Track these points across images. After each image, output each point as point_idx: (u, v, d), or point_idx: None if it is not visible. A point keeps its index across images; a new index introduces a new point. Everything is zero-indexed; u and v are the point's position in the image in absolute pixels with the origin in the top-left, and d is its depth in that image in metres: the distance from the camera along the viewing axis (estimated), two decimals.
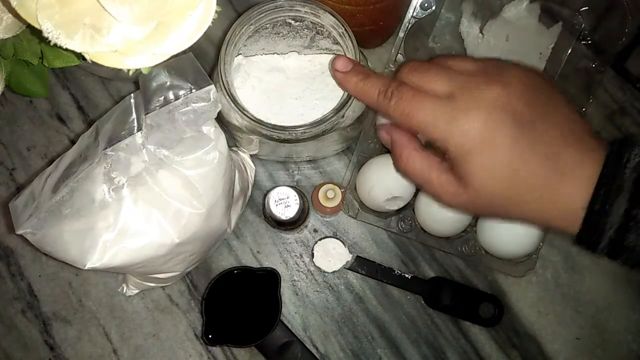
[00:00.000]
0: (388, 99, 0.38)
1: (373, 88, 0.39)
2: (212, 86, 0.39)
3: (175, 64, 0.38)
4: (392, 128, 0.40)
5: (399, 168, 0.39)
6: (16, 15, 0.30)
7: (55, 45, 0.28)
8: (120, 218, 0.40)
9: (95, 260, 0.39)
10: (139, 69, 0.31)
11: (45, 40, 0.28)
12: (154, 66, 0.34)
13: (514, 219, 0.37)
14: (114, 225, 0.40)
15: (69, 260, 0.40)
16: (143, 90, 0.39)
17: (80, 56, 0.39)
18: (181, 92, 0.38)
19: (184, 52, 0.31)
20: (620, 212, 0.32)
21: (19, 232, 0.38)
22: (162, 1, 0.29)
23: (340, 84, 0.42)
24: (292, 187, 0.48)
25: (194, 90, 0.39)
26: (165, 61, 0.32)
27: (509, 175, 0.34)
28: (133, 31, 0.29)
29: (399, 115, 0.37)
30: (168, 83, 0.38)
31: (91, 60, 0.29)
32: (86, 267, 0.39)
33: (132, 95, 0.40)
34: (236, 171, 0.47)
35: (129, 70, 0.30)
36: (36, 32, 0.36)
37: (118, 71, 0.30)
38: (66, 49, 0.28)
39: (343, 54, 0.47)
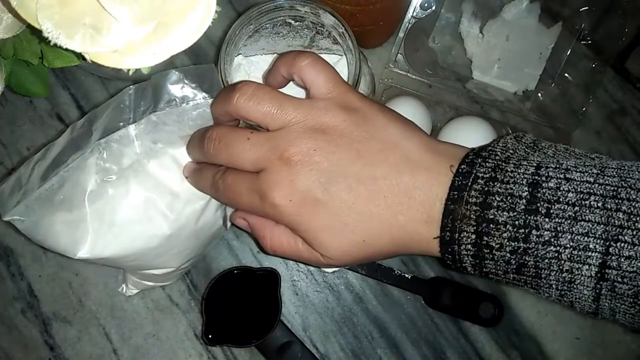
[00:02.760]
0: (216, 190, 0.37)
1: (206, 182, 0.38)
2: None
3: (194, 71, 0.39)
4: (249, 215, 0.38)
5: (268, 251, 0.37)
6: (16, 15, 0.30)
7: (55, 45, 0.28)
8: (111, 209, 0.40)
9: (86, 250, 0.39)
10: (139, 69, 0.31)
11: (45, 40, 0.28)
12: (161, 69, 0.34)
13: (388, 256, 0.35)
14: (105, 216, 0.40)
15: (59, 250, 0.40)
16: (155, 88, 0.39)
17: (80, 56, 0.39)
18: (194, 98, 0.39)
19: (196, 55, 0.31)
20: (470, 241, 0.30)
21: (6, 218, 0.38)
22: (162, 1, 0.29)
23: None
24: None
25: (206, 99, 0.39)
26: (171, 64, 0.33)
27: (340, 229, 0.33)
28: (133, 31, 0.29)
29: (231, 204, 0.38)
30: (183, 87, 0.39)
31: (91, 60, 0.29)
32: (77, 257, 0.39)
33: (131, 87, 0.40)
34: None
35: (129, 70, 0.30)
36: (36, 32, 0.36)
37: (118, 71, 0.30)
38: (66, 49, 0.28)
39: (343, 54, 0.47)
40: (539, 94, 0.56)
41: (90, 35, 0.28)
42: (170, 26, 0.29)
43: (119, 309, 0.55)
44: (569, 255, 0.28)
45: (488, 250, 0.30)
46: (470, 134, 0.53)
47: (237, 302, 0.53)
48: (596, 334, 0.54)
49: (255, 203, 0.34)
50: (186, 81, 0.39)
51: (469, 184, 0.30)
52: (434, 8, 0.54)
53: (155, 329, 0.54)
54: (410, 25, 0.55)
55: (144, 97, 0.40)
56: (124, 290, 0.53)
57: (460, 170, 0.31)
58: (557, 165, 0.30)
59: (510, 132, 0.55)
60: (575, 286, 0.28)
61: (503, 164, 0.30)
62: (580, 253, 0.28)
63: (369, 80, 0.48)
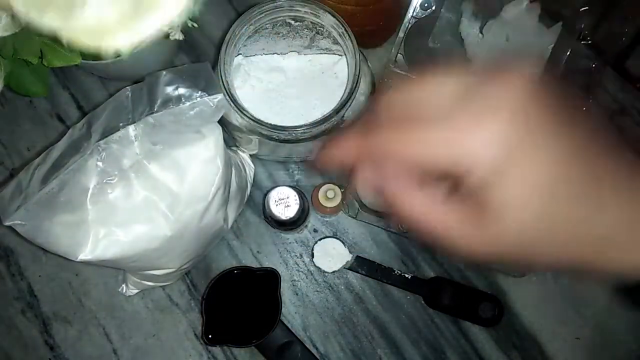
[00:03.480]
0: (369, 133, 0.28)
1: (349, 136, 0.29)
2: (221, 95, 0.39)
3: (189, 70, 0.39)
4: (378, 177, 0.28)
5: (407, 222, 0.28)
6: None
7: (27, 23, 0.27)
8: (112, 210, 0.40)
9: (87, 252, 0.39)
10: (119, 52, 0.31)
11: (14, 18, 0.27)
12: (163, 69, 0.34)
13: (550, 264, 0.29)
14: (106, 218, 0.40)
15: (60, 252, 0.40)
16: (150, 89, 0.39)
17: (82, 57, 0.39)
18: (190, 97, 0.39)
19: (196, 55, 0.31)
20: None
21: (7, 223, 0.38)
22: None
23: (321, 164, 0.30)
24: (292, 187, 0.48)
25: (203, 97, 0.39)
26: (170, 63, 0.32)
27: (536, 207, 0.25)
28: (107, 9, 0.28)
29: (390, 143, 0.27)
30: (179, 87, 0.39)
31: (69, 40, 0.29)
32: (78, 259, 0.39)
33: (128, 88, 0.40)
34: (233, 169, 0.48)
35: (108, 50, 0.30)
36: (43, 35, 0.36)
37: (121, 71, 0.30)
38: (86, 57, 0.28)
39: (343, 54, 0.47)
40: None
41: (63, 12, 0.27)
42: (149, 5, 0.29)
43: (119, 309, 0.55)
44: None
45: None
46: None
47: (237, 302, 0.53)
48: (596, 334, 0.54)
49: (450, 141, 0.24)
50: (180, 81, 0.39)
51: None
52: (434, 8, 0.54)
53: (155, 329, 0.54)
54: (410, 25, 0.54)
55: (141, 98, 0.40)
56: (124, 290, 0.53)
57: None
58: None
59: None
60: None
61: None
62: None
63: (369, 81, 0.48)
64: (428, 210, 0.27)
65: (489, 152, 0.24)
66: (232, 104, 0.42)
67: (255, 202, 0.56)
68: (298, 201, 0.47)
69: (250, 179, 0.54)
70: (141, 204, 0.40)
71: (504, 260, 0.27)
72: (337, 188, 0.53)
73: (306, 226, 0.56)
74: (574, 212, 0.26)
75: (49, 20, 0.27)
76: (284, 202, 0.47)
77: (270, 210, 0.47)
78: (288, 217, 0.47)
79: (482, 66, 0.28)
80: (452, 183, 0.26)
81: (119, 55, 0.31)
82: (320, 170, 0.33)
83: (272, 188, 0.48)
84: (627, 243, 0.26)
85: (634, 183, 0.26)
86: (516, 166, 0.25)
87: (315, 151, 0.34)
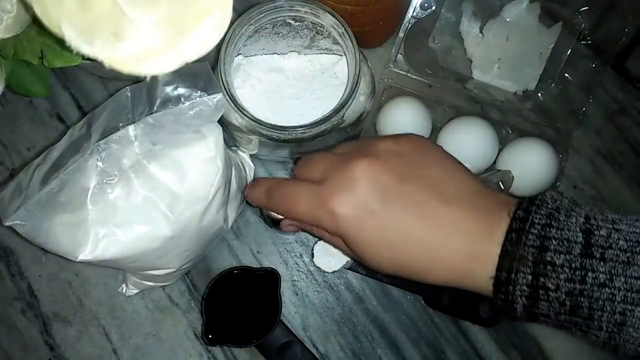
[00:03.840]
0: (270, 197, 0.41)
1: (260, 189, 0.42)
2: (220, 95, 0.39)
3: (188, 70, 0.39)
4: (291, 223, 0.42)
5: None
6: (25, 20, 0.30)
7: (76, 52, 0.28)
8: (112, 210, 0.40)
9: (87, 252, 0.39)
10: (156, 75, 0.31)
11: (67, 48, 0.28)
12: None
13: (427, 281, 0.37)
14: (106, 218, 0.40)
15: (60, 252, 0.40)
16: (149, 89, 0.39)
17: (84, 57, 0.39)
18: (189, 97, 0.39)
19: (202, 58, 0.31)
20: (526, 282, 0.31)
21: (7, 223, 0.38)
22: (181, 7, 0.29)
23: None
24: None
25: (202, 97, 0.39)
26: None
27: (385, 246, 0.35)
28: (152, 37, 0.29)
29: (282, 210, 0.40)
30: (178, 87, 0.39)
31: (110, 67, 0.29)
32: (78, 259, 0.39)
33: (128, 88, 0.40)
34: (233, 169, 0.48)
35: (146, 76, 0.30)
36: (44, 34, 0.37)
37: (123, 73, 0.30)
38: (87, 58, 0.28)
39: (343, 54, 0.47)
40: (539, 94, 0.56)
41: (111, 41, 0.28)
42: (188, 32, 0.29)
43: (119, 309, 0.55)
44: (622, 297, 0.30)
45: (543, 292, 0.31)
46: (471, 134, 0.53)
47: (237, 302, 0.53)
48: None
49: (313, 210, 0.37)
50: (179, 81, 0.39)
51: (527, 228, 0.32)
52: (434, 8, 0.54)
53: (155, 329, 0.54)
54: (410, 25, 0.55)
55: (141, 98, 0.40)
56: (124, 290, 0.53)
57: (517, 215, 0.33)
58: (604, 217, 0.32)
59: (511, 132, 0.55)
60: (625, 328, 0.30)
61: (555, 212, 0.32)
62: (633, 295, 0.29)
63: (369, 80, 0.48)
64: (333, 243, 0.40)
65: (331, 223, 0.36)
66: (232, 104, 0.42)
67: None
68: None
69: (250, 179, 0.54)
70: (141, 204, 0.40)
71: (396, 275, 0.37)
72: None
73: None
74: (414, 257, 0.35)
75: (96, 50, 0.28)
76: None
77: (267, 210, 0.47)
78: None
79: (361, 145, 0.39)
80: None
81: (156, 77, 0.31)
82: (251, 201, 0.45)
83: None
84: (469, 267, 0.34)
85: (476, 226, 0.34)
86: (356, 229, 0.35)
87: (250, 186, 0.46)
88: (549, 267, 0.31)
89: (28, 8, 0.33)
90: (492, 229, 0.33)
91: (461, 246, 0.34)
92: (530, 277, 0.31)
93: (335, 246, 0.40)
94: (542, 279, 0.31)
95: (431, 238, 0.34)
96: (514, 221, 0.33)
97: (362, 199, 0.35)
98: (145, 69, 0.29)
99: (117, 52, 0.28)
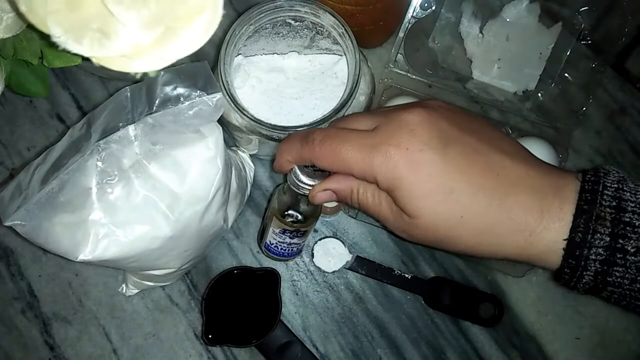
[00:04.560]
0: (311, 142, 0.35)
1: (294, 139, 0.37)
2: (220, 94, 0.39)
3: (187, 70, 0.39)
4: (328, 181, 0.36)
5: (355, 205, 0.36)
6: (24, 19, 0.30)
7: (64, 49, 0.28)
8: (112, 210, 0.40)
9: (87, 252, 0.39)
10: (146, 72, 0.31)
11: (53, 45, 0.28)
12: (164, 69, 0.34)
13: (468, 250, 0.33)
14: (106, 218, 0.40)
15: (60, 253, 0.40)
16: (148, 89, 0.39)
17: (83, 57, 0.39)
18: (189, 97, 0.39)
19: (196, 56, 0.31)
20: (603, 243, 0.29)
21: (7, 223, 0.38)
22: (170, 6, 0.29)
23: (277, 165, 0.39)
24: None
25: (201, 96, 0.39)
26: (172, 65, 0.33)
27: (443, 197, 0.31)
28: (140, 36, 0.29)
29: (326, 154, 0.34)
30: (177, 87, 0.39)
31: (99, 64, 0.30)
32: (78, 259, 0.39)
33: (127, 88, 0.40)
34: (232, 169, 0.48)
35: (136, 73, 0.31)
36: (45, 36, 0.36)
37: (124, 73, 0.30)
38: (74, 54, 0.28)
39: (343, 54, 0.47)
40: (539, 94, 0.56)
41: (98, 39, 0.28)
42: (178, 30, 0.29)
43: (119, 309, 0.55)
44: None
45: (621, 255, 0.29)
46: None
47: (237, 302, 0.53)
48: (596, 334, 0.54)
49: (365, 154, 0.32)
50: (179, 80, 0.39)
51: (600, 189, 0.30)
52: (434, 8, 0.54)
53: (155, 329, 0.54)
54: (410, 25, 0.55)
55: (140, 98, 0.40)
56: (124, 290, 0.53)
57: (587, 178, 0.31)
58: None
59: (510, 132, 0.55)
60: None
61: (623, 179, 0.31)
62: None
63: (369, 80, 0.48)
64: (378, 199, 0.34)
65: (384, 167, 0.31)
66: (232, 104, 0.42)
67: (255, 202, 0.56)
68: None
69: (250, 179, 0.54)
70: (141, 204, 0.40)
71: (431, 244, 0.33)
72: None
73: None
74: (472, 202, 0.31)
75: (84, 48, 0.28)
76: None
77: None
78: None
79: (407, 104, 0.35)
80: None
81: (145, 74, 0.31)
82: (278, 171, 0.39)
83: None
84: (528, 233, 0.31)
85: (544, 184, 0.31)
86: (410, 174, 0.31)
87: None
88: (628, 228, 0.28)
89: (12, 4, 0.32)
90: (560, 186, 0.31)
91: (530, 201, 0.30)
92: (608, 239, 0.29)
93: (372, 212, 0.35)
94: (620, 241, 0.29)
95: (495, 187, 0.31)
96: (585, 183, 0.30)
97: (422, 141, 0.31)
98: (134, 67, 0.30)
99: (105, 51, 0.28)
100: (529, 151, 0.34)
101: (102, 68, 0.29)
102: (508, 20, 0.56)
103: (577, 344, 0.54)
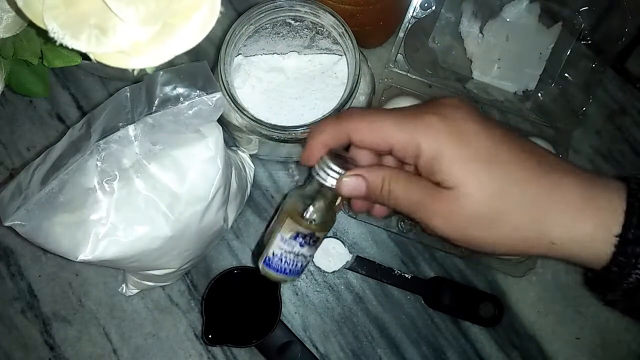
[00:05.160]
0: (350, 115, 0.33)
1: (329, 119, 0.35)
2: (219, 94, 0.39)
3: (187, 69, 0.39)
4: (359, 168, 0.34)
5: (387, 201, 0.33)
6: (22, 15, 0.30)
7: (60, 45, 0.28)
8: (112, 210, 0.40)
9: (87, 252, 0.39)
10: (144, 69, 0.31)
11: (50, 41, 0.28)
12: (164, 69, 0.34)
13: (504, 245, 0.31)
14: (106, 218, 0.40)
15: (61, 253, 0.40)
16: (148, 89, 0.39)
17: (82, 56, 0.39)
18: (188, 96, 0.39)
19: (196, 55, 0.31)
20: None
21: (7, 223, 0.38)
22: (168, 2, 0.29)
23: (307, 151, 0.36)
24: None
25: (201, 96, 0.39)
26: (171, 65, 0.33)
27: (487, 165, 0.30)
28: (138, 32, 0.29)
29: (366, 126, 0.32)
30: (177, 87, 0.39)
31: (96, 61, 0.30)
32: (78, 259, 0.39)
33: (127, 88, 0.40)
34: (233, 169, 0.48)
35: (133, 70, 0.31)
36: (42, 33, 0.36)
37: (123, 71, 0.30)
38: (71, 49, 0.28)
39: (343, 54, 0.47)
40: (539, 94, 0.56)
41: (96, 35, 0.28)
42: (175, 27, 0.29)
43: (119, 309, 0.55)
44: None
45: None
46: None
47: (237, 302, 0.53)
48: (596, 334, 0.54)
49: (403, 128, 0.31)
50: (178, 80, 0.39)
51: None
52: (434, 8, 0.54)
53: (155, 329, 0.54)
54: (410, 25, 0.55)
55: (140, 98, 0.40)
56: (124, 290, 0.53)
57: (634, 185, 0.30)
58: None
59: None
60: None
61: None
62: None
63: (369, 80, 0.48)
64: (406, 187, 0.32)
65: (428, 136, 0.30)
66: (232, 104, 0.42)
67: (255, 202, 0.56)
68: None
69: (250, 179, 0.54)
70: (141, 204, 0.40)
71: (465, 238, 0.31)
72: None
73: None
74: (522, 194, 0.29)
75: (82, 44, 0.28)
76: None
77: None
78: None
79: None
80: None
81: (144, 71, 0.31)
82: (306, 161, 0.36)
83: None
84: (571, 228, 0.29)
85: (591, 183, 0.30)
86: (454, 142, 0.30)
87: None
88: None
89: (12, 3, 0.32)
90: (606, 183, 0.30)
91: (577, 193, 0.29)
92: None
93: (403, 202, 0.32)
94: None
95: (540, 168, 0.30)
96: (633, 183, 0.29)
97: (465, 113, 0.31)
98: (132, 63, 0.30)
99: (103, 47, 0.28)
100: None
101: (101, 65, 0.29)
102: (508, 20, 0.56)
103: (577, 344, 0.54)
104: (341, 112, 0.34)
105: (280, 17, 0.46)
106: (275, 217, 0.40)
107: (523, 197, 0.30)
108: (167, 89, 0.39)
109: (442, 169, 0.30)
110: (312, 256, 0.41)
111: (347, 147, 0.36)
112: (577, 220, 0.29)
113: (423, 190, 0.32)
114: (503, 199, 0.30)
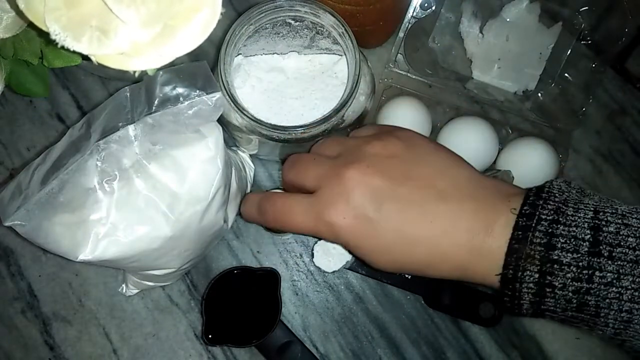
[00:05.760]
0: (263, 214, 0.40)
1: (251, 208, 0.42)
2: (219, 94, 0.39)
3: (186, 69, 0.39)
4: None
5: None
6: (23, 17, 0.30)
7: (62, 47, 0.28)
8: (112, 210, 0.40)
9: (87, 252, 0.39)
10: (145, 70, 0.31)
11: (52, 42, 0.28)
12: (163, 69, 0.34)
13: (435, 276, 0.37)
14: (106, 218, 0.40)
15: (60, 253, 0.40)
16: (147, 89, 0.39)
17: (82, 56, 0.39)
18: (188, 96, 0.39)
19: (196, 55, 0.31)
20: (533, 279, 0.31)
21: (7, 223, 0.38)
22: (169, 4, 0.29)
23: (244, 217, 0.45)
24: (282, 188, 0.48)
25: (201, 96, 0.39)
26: (171, 64, 0.33)
27: (385, 252, 0.36)
28: (139, 33, 0.29)
29: (278, 226, 0.40)
30: (176, 87, 0.39)
31: (97, 62, 0.30)
32: (78, 259, 0.39)
33: (127, 88, 0.40)
34: (233, 169, 0.48)
35: (134, 71, 0.31)
36: (43, 34, 0.37)
37: (124, 73, 0.30)
38: (73, 51, 0.28)
39: (343, 54, 0.47)
40: (539, 94, 0.56)
41: (97, 37, 0.28)
42: (176, 28, 0.29)
43: (119, 309, 0.55)
44: (629, 296, 0.30)
45: (550, 290, 0.31)
46: (470, 134, 0.53)
47: (237, 302, 0.53)
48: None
49: (310, 223, 0.37)
50: (178, 80, 0.39)
51: (533, 225, 0.32)
52: (434, 8, 0.54)
53: (155, 329, 0.54)
54: (410, 25, 0.55)
55: (139, 98, 0.40)
56: (124, 290, 0.53)
57: (523, 211, 0.32)
58: (614, 211, 0.31)
59: (511, 132, 0.55)
60: (632, 325, 0.30)
61: (563, 206, 0.32)
62: None
63: (369, 80, 0.48)
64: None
65: (331, 234, 0.36)
66: (232, 104, 0.42)
67: None
68: None
69: (250, 179, 0.54)
70: (141, 204, 0.40)
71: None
72: None
73: None
74: (415, 257, 0.35)
75: (83, 46, 0.28)
76: None
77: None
78: None
79: (347, 148, 0.39)
80: None
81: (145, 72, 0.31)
82: (245, 219, 0.45)
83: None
84: (466, 258, 0.34)
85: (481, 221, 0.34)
86: (355, 238, 0.35)
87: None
88: (555, 265, 0.31)
89: (12, 3, 0.33)
90: (493, 223, 0.33)
91: (462, 241, 0.34)
92: (537, 276, 0.31)
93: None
94: (548, 278, 0.31)
95: (430, 234, 0.34)
96: (520, 218, 0.32)
97: (358, 208, 0.35)
98: (133, 65, 0.30)
99: (104, 49, 0.28)
100: (472, 175, 0.37)
101: (102, 66, 0.29)
102: (508, 20, 0.56)
103: (577, 344, 0.54)
104: (260, 203, 0.42)
105: (280, 17, 0.46)
106: None
107: (420, 266, 0.36)
108: (167, 89, 0.39)
109: (350, 251, 0.39)
110: None
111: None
112: (468, 273, 0.35)
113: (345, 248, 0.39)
114: (407, 265, 0.37)
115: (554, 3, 0.55)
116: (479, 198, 0.35)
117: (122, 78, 0.56)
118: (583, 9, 0.54)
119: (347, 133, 0.49)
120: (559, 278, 0.31)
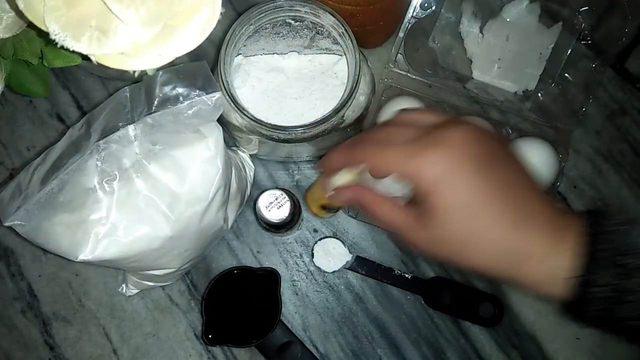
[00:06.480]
0: (356, 148, 0.38)
1: (340, 148, 0.39)
2: (219, 93, 0.39)
3: (186, 69, 0.39)
4: (358, 189, 0.39)
5: (377, 217, 0.39)
6: (23, 17, 0.30)
7: (62, 47, 0.28)
8: (112, 210, 0.40)
9: (87, 252, 0.39)
10: (144, 70, 0.31)
11: (52, 42, 0.28)
12: (163, 69, 0.34)
13: (475, 267, 0.36)
14: (106, 218, 0.40)
15: (61, 253, 0.40)
16: (147, 89, 0.39)
17: (82, 56, 0.39)
18: (188, 96, 0.39)
19: (196, 55, 0.31)
20: (609, 282, 0.31)
21: (7, 223, 0.38)
22: (168, 4, 0.29)
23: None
24: (279, 188, 0.48)
25: (200, 96, 0.39)
26: (171, 64, 0.33)
27: (469, 215, 0.34)
28: (139, 33, 0.29)
29: (371, 154, 0.37)
30: (176, 86, 0.39)
31: (97, 62, 0.29)
32: (78, 259, 0.39)
33: (127, 88, 0.40)
34: (233, 169, 0.48)
35: (134, 71, 0.31)
36: (43, 34, 0.36)
37: (123, 72, 0.30)
38: (72, 51, 0.28)
39: (343, 54, 0.47)
40: (539, 94, 0.56)
41: (97, 37, 0.28)
42: (176, 28, 0.29)
43: (119, 309, 0.55)
44: None
45: (630, 295, 0.31)
46: None
47: (237, 302, 0.53)
48: (596, 334, 0.54)
49: (404, 163, 0.35)
50: (178, 80, 0.39)
51: (607, 229, 0.32)
52: (434, 8, 0.54)
53: (155, 329, 0.54)
54: (410, 25, 0.55)
55: (139, 98, 0.40)
56: (124, 290, 0.53)
57: (590, 219, 0.33)
58: None
59: (511, 132, 0.55)
60: None
61: (632, 219, 0.32)
62: None
63: (369, 80, 0.48)
64: (392, 213, 0.37)
65: (429, 172, 0.34)
66: (232, 104, 0.42)
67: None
68: (287, 199, 0.48)
69: (250, 179, 0.54)
70: (141, 204, 0.40)
71: (441, 257, 0.36)
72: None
73: (299, 228, 0.56)
74: (493, 226, 0.34)
75: (83, 46, 0.28)
76: (275, 205, 0.48)
77: (264, 216, 0.47)
78: (283, 218, 0.47)
79: (445, 121, 0.37)
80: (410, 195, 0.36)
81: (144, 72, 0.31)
82: (324, 172, 0.41)
83: (259, 195, 0.48)
84: (538, 262, 0.34)
85: (547, 216, 0.34)
86: (443, 186, 0.34)
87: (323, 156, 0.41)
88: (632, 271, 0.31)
89: (12, 3, 0.33)
90: (567, 225, 0.33)
91: (541, 234, 0.33)
92: (614, 281, 0.31)
93: (389, 220, 0.38)
94: (633, 280, 0.31)
95: (516, 219, 0.34)
96: (588, 220, 0.33)
97: (456, 163, 0.34)
98: (133, 64, 0.30)
99: (104, 49, 0.28)
100: (537, 184, 0.37)
101: (101, 67, 0.29)
102: (508, 20, 0.56)
103: (577, 344, 0.54)
104: (353, 141, 0.38)
105: (280, 17, 0.46)
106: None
107: (492, 248, 0.35)
108: (167, 88, 0.39)
109: (427, 205, 0.35)
110: None
111: None
112: (538, 269, 0.34)
113: (408, 216, 0.37)
114: (476, 247, 0.35)
115: (554, 3, 0.55)
116: (550, 202, 0.35)
117: (122, 78, 0.56)
118: (583, 9, 0.54)
119: (347, 133, 0.49)
120: (633, 279, 0.31)
